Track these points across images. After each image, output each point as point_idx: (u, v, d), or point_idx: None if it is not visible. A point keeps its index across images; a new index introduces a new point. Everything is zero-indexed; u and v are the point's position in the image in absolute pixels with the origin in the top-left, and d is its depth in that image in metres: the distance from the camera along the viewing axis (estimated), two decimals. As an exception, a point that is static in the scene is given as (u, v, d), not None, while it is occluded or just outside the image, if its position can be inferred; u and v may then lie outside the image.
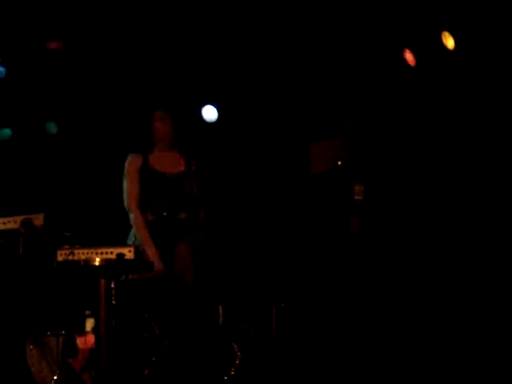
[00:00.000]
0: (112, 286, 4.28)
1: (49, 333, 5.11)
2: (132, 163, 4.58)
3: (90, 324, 5.04)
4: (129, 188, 4.55)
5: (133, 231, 4.58)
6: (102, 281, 3.93)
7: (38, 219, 4.64)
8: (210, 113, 6.38)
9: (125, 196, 4.56)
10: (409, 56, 5.61)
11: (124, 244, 4.42)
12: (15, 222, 4.63)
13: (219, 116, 6.44)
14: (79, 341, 4.97)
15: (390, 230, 4.42)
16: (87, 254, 3.88)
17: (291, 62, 5.98)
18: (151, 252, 4.40)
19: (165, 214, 4.50)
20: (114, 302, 4.18)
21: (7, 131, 6.57)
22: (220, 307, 5.14)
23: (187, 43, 5.85)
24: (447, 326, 5.14)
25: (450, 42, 5.47)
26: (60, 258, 3.88)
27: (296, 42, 5.81)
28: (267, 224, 6.31)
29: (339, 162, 4.61)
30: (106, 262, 3.86)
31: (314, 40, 5.77)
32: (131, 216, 4.53)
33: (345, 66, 5.35)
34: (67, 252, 3.85)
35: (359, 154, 4.56)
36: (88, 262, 3.85)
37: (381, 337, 4.32)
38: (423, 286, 4.62)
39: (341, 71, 5.55)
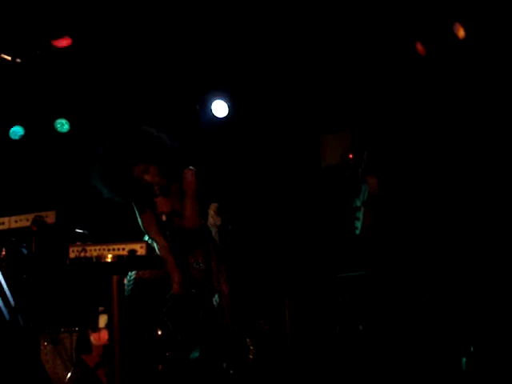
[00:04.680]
0: (124, 282, 4.31)
1: (62, 330, 5.13)
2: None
3: (103, 320, 5.05)
4: (143, 217, 4.56)
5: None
6: (115, 277, 3.92)
7: (50, 216, 4.65)
8: (220, 108, 6.39)
9: (141, 225, 4.58)
10: (419, 46, 5.58)
11: (135, 240, 4.41)
12: (27, 220, 4.65)
13: (229, 111, 6.44)
14: (93, 337, 4.99)
15: (404, 222, 4.38)
16: (99, 250, 3.86)
17: (301, 56, 5.96)
18: (176, 275, 4.42)
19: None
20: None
21: (19, 129, 6.59)
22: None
23: (199, 39, 5.85)
24: (459, 316, 5.11)
25: (460, 31, 5.42)
26: (72, 255, 3.87)
27: (305, 35, 5.79)
28: (279, 219, 6.30)
29: (350, 155, 4.58)
30: (118, 259, 3.85)
31: (324, 33, 5.74)
32: (154, 244, 4.54)
33: (355, 58, 5.32)
34: (79, 249, 3.84)
35: (371, 145, 4.52)
36: (100, 259, 3.83)
37: (394, 331, 4.30)
38: (437, 281, 4.58)
39: (351, 63, 5.51)
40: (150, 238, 4.56)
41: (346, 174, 4.60)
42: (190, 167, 4.55)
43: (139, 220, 4.61)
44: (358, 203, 4.47)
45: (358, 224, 4.44)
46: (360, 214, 4.48)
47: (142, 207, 4.50)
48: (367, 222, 4.45)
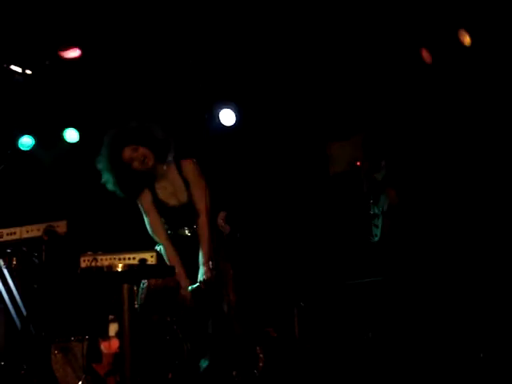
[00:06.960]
0: (135, 290, 4.34)
1: (73, 338, 5.16)
2: (144, 199, 4.67)
3: (113, 329, 5.08)
4: (152, 222, 4.66)
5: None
6: (125, 286, 3.96)
7: (61, 226, 4.70)
8: (227, 116, 6.42)
9: (150, 231, 4.68)
10: (425, 54, 5.60)
11: (146, 249, 4.45)
12: (38, 230, 4.69)
13: (237, 119, 6.47)
14: (103, 345, 5.01)
15: (420, 232, 4.37)
16: (110, 260, 3.91)
17: (308, 64, 5.99)
18: (184, 282, 4.49)
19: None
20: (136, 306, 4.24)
21: (29, 140, 6.63)
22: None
23: (205, 48, 5.89)
24: (473, 323, 5.10)
25: (466, 38, 5.44)
26: (83, 265, 3.91)
27: (313, 44, 5.82)
28: (287, 226, 6.31)
29: (358, 163, 4.59)
30: (128, 268, 3.89)
31: (331, 41, 5.77)
32: (161, 247, 4.61)
33: (362, 65, 5.33)
34: (90, 258, 3.88)
35: (387, 153, 4.51)
36: (111, 268, 3.88)
37: (403, 337, 4.30)
38: (452, 289, 4.57)
39: (358, 71, 5.53)
40: (154, 238, 4.61)
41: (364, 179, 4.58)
42: (188, 158, 4.67)
43: (147, 224, 4.64)
44: (377, 211, 4.47)
45: (377, 231, 4.44)
46: (379, 222, 4.48)
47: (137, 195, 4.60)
48: (385, 230, 4.45)
